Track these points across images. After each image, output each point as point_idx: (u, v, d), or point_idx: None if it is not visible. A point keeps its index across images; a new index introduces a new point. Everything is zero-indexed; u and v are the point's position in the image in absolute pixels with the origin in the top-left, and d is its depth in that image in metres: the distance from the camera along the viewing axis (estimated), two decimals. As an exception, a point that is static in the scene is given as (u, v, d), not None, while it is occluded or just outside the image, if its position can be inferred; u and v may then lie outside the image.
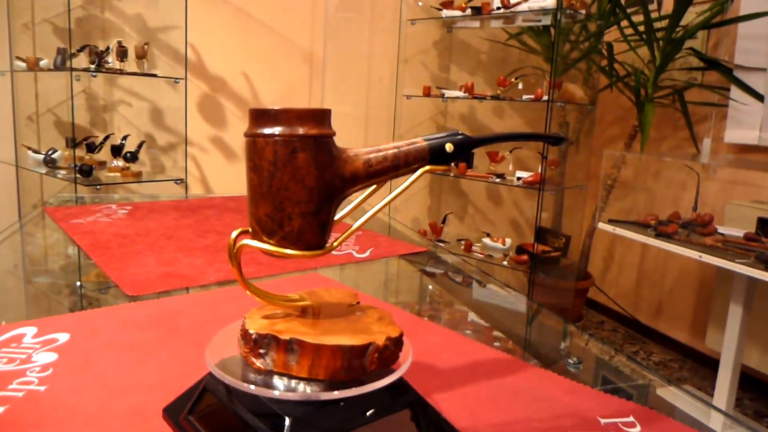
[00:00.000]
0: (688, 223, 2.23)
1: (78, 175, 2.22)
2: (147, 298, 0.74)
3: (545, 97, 2.48)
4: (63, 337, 0.61)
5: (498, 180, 2.78)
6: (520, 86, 2.72)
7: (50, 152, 2.32)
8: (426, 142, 0.44)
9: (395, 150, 0.43)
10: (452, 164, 0.47)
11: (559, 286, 3.09)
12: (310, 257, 0.43)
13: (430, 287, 0.97)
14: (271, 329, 0.43)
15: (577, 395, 0.53)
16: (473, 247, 2.97)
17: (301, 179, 0.41)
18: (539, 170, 2.61)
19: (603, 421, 0.48)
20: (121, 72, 2.30)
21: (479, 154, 2.96)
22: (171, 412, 0.47)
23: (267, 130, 0.41)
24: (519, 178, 2.74)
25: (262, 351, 0.42)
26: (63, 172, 2.29)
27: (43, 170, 2.31)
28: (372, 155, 0.43)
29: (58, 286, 0.83)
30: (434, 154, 0.44)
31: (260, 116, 0.41)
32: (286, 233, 0.42)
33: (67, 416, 0.46)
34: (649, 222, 2.33)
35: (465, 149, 0.45)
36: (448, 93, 2.85)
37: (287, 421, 0.39)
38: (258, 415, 0.40)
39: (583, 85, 2.80)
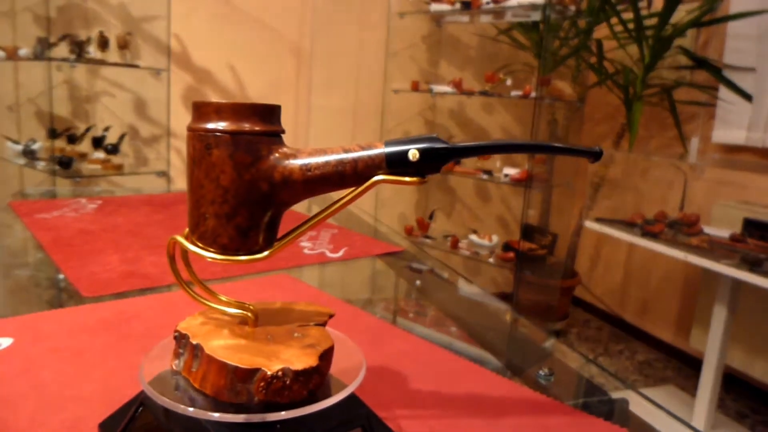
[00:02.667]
0: (674, 223, 2.22)
1: (58, 167, 2.17)
2: (104, 299, 0.71)
3: (533, 94, 2.45)
4: (5, 342, 0.57)
5: (485, 177, 2.76)
6: (509, 82, 2.70)
7: (30, 143, 2.28)
8: (385, 148, 0.38)
9: (342, 155, 0.38)
10: (423, 177, 0.38)
11: (546, 284, 3.07)
12: (229, 262, 0.40)
13: (403, 290, 0.95)
14: (191, 330, 0.41)
15: (544, 411, 0.50)
16: (460, 244, 2.95)
17: (215, 178, 0.38)
18: (527, 167, 2.58)
19: (567, 439, 0.46)
20: (102, 62, 2.25)
21: (467, 150, 2.93)
22: (106, 428, 0.44)
23: (192, 123, 0.38)
24: (506, 175, 2.72)
25: (180, 351, 0.40)
26: (43, 163, 2.25)
27: (23, 161, 2.26)
28: (313, 159, 0.38)
29: (9, 286, 0.80)
30: (394, 163, 0.37)
31: (193, 108, 0.38)
32: (201, 233, 0.39)
33: (0, 428, 0.43)
34: (635, 221, 2.32)
35: (439, 159, 0.37)
36: (436, 88, 2.82)
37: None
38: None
39: (572, 82, 2.78)
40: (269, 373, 0.35)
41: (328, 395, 0.39)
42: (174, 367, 0.41)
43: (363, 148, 0.38)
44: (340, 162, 0.37)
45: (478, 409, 0.50)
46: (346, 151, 0.38)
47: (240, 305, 0.43)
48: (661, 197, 2.74)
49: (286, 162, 0.38)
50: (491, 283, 3.37)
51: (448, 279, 0.99)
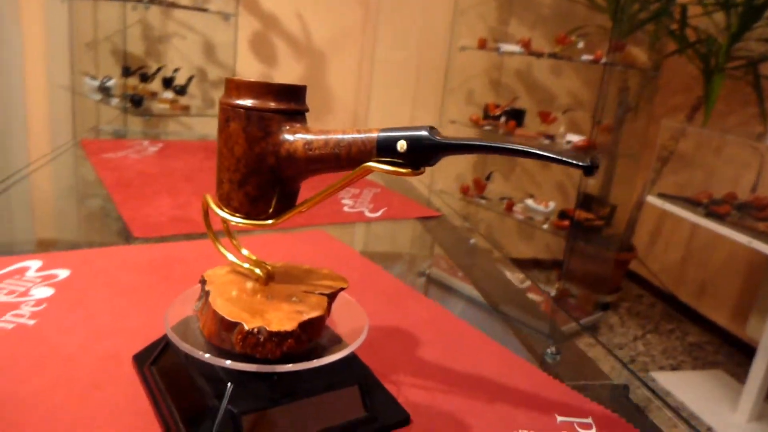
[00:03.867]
0: (743, 206, 2.12)
1: (129, 105, 2.28)
2: (153, 241, 0.77)
3: (604, 59, 2.35)
4: (63, 274, 0.64)
5: (547, 141, 2.70)
6: (581, 45, 2.59)
7: (105, 80, 2.39)
8: (377, 135, 0.39)
9: (340, 136, 0.40)
10: (417, 169, 0.38)
11: (599, 255, 3.02)
12: (238, 224, 0.43)
13: (433, 254, 0.97)
14: (211, 278, 0.45)
15: (543, 389, 0.52)
16: (515, 207, 2.92)
17: (231, 147, 0.41)
18: (590, 135, 2.51)
19: (560, 419, 0.48)
20: (174, 4, 2.31)
21: (531, 113, 2.86)
22: (138, 360, 0.49)
23: (221, 97, 0.42)
24: (569, 142, 2.64)
25: (201, 295, 0.45)
26: (116, 100, 2.36)
27: (98, 97, 2.38)
28: (315, 138, 0.40)
29: (72, 221, 0.87)
30: (383, 150, 0.38)
31: (225, 84, 0.42)
32: (220, 194, 0.44)
33: (47, 353, 0.49)
34: (701, 200, 2.22)
35: (428, 151, 0.37)
36: (504, 47, 2.74)
37: (229, 387, 0.40)
38: (206, 378, 0.42)
39: (648, 48, 2.63)
40: (246, 328, 0.39)
41: (331, 351, 0.43)
42: (194, 310, 0.46)
43: (359, 133, 0.40)
44: (337, 144, 0.39)
45: (478, 381, 0.53)
46: (344, 134, 0.40)
47: (257, 263, 0.46)
48: (732, 177, 2.60)
49: (293, 139, 0.40)
50: (544, 249, 3.33)
51: (481, 248, 1.00)
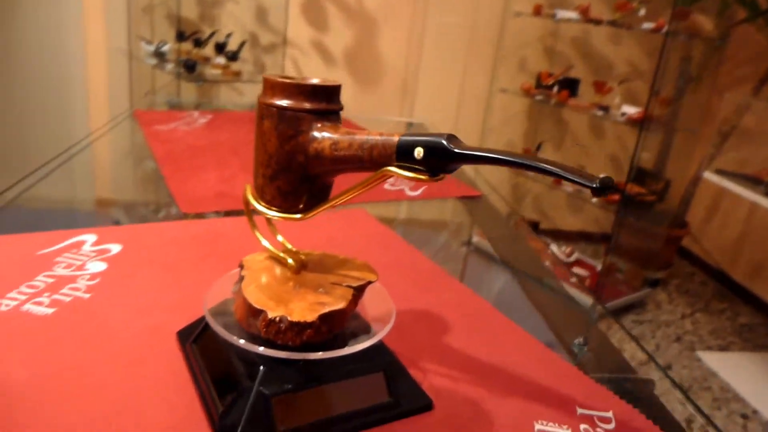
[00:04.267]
0: (807, 185, 2.02)
1: (183, 70, 2.34)
2: (199, 216, 0.81)
3: (666, 28, 2.24)
4: (115, 248, 0.68)
5: (600, 113, 2.62)
6: (642, 12, 2.47)
7: (160, 45, 2.45)
8: (398, 139, 0.39)
9: (364, 138, 0.40)
10: (435, 175, 0.38)
11: (650, 231, 2.94)
12: (268, 216, 0.46)
13: (470, 237, 0.97)
14: (249, 263, 0.48)
15: (566, 380, 0.53)
16: (563, 180, 2.86)
17: (264, 143, 0.43)
18: (646, 107, 2.41)
19: (580, 411, 0.49)
20: (227, -30, 2.33)
21: (586, 82, 2.77)
22: (181, 337, 0.53)
23: (259, 95, 0.43)
24: (623, 114, 2.55)
25: (237, 279, 0.48)
26: (170, 65, 2.42)
27: (153, 62, 2.45)
28: (342, 138, 0.41)
29: (126, 193, 0.92)
30: (402, 155, 0.39)
31: (262, 83, 0.43)
32: (255, 186, 0.46)
33: (98, 327, 0.54)
34: (762, 178, 2.13)
35: (444, 159, 0.37)
36: (560, 14, 2.64)
37: (261, 370, 0.43)
38: (240, 359, 0.45)
39: (715, 16, 2.49)
40: (269, 316, 0.41)
41: (359, 340, 0.45)
42: (232, 292, 0.49)
43: (382, 136, 0.40)
44: (361, 146, 0.40)
45: (502, 369, 0.54)
46: (369, 135, 0.40)
47: (290, 253, 0.49)
48: (798, 154, 2.47)
49: (321, 138, 0.41)
50: (593, 222, 3.27)
51: (519, 232, 1.00)
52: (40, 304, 0.55)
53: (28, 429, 0.40)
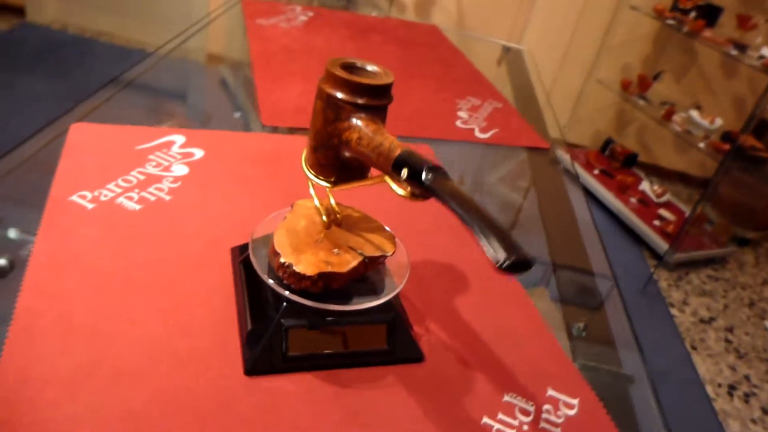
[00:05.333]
0: None
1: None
2: (277, 131, 0.89)
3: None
4: (198, 154, 0.78)
5: (735, 52, 2.38)
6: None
7: None
8: (400, 152, 0.43)
9: (380, 142, 0.44)
10: (416, 197, 0.42)
11: (755, 188, 2.75)
12: (313, 182, 0.52)
13: (516, 196, 1.00)
14: (295, 208, 0.56)
15: (550, 360, 0.60)
16: (675, 117, 2.69)
17: (314, 120, 0.49)
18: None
19: (550, 392, 0.56)
20: None
21: (728, 13, 2.49)
22: (234, 253, 0.63)
23: (320, 79, 0.48)
24: (761, 57, 2.31)
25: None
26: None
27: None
28: (368, 136, 0.45)
29: (219, 92, 1.01)
30: (395, 169, 0.43)
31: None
32: (307, 148, 0.52)
33: (173, 229, 0.65)
34: None
35: (419, 186, 0.41)
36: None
37: (284, 306, 0.52)
38: (271, 290, 0.54)
39: None
40: (281, 260, 0.50)
41: (369, 297, 0.53)
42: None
43: (391, 146, 0.44)
44: (374, 149, 0.45)
45: (497, 337, 0.61)
46: (385, 140, 0.44)
47: (327, 209, 0.56)
48: None
49: (353, 130, 0.46)
50: (698, 165, 3.09)
51: (576, 198, 1.01)
52: (130, 199, 0.67)
53: (107, 311, 0.53)
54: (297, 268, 0.50)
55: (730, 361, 2.19)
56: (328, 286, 0.51)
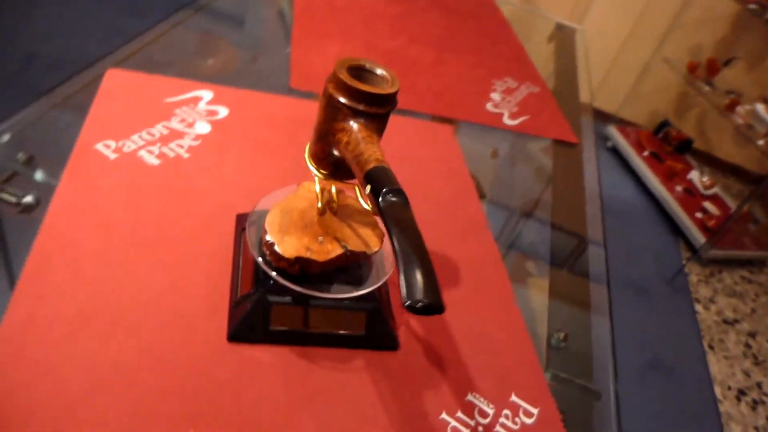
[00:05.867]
0: None
1: None
2: (305, 96, 0.90)
3: None
4: (223, 113, 0.81)
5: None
6: None
7: None
8: (375, 166, 0.44)
9: (363, 150, 0.45)
10: (375, 213, 0.43)
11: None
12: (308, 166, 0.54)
13: (530, 192, 0.99)
14: (300, 189, 0.59)
15: (522, 366, 0.62)
16: (738, 108, 2.56)
17: (318, 113, 0.51)
18: None
19: (513, 398, 0.58)
20: None
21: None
22: (238, 221, 0.66)
23: (328, 76, 0.49)
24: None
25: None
26: None
27: None
28: (354, 142, 0.46)
29: (249, 48, 1.02)
30: (363, 182, 0.44)
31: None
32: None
33: (187, 188, 0.68)
34: None
35: (377, 208, 0.42)
36: None
37: (271, 283, 0.56)
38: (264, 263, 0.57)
39: None
40: (265, 237, 0.53)
41: (357, 283, 0.56)
42: None
43: (370, 159, 0.45)
44: (355, 157, 0.46)
45: (476, 337, 0.63)
46: (366, 151, 0.45)
47: (324, 197, 0.58)
48: None
49: (345, 133, 0.48)
50: (754, 161, 2.95)
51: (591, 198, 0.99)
52: (151, 153, 0.71)
53: (112, 261, 0.57)
54: (277, 248, 0.53)
55: (746, 366, 2.17)
56: (304, 270, 0.54)
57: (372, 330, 0.59)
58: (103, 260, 0.57)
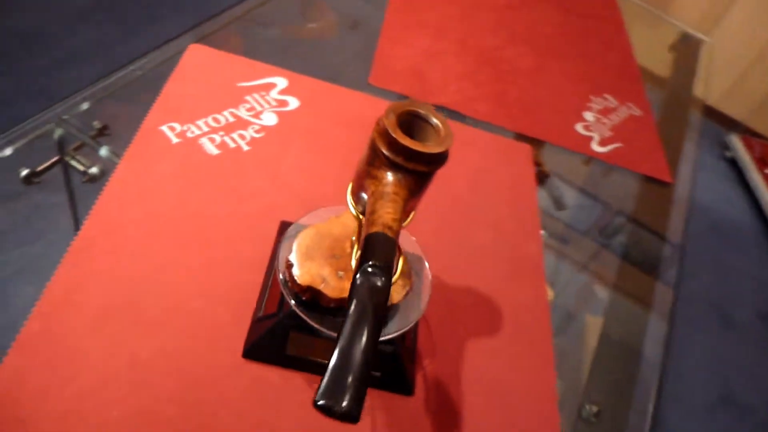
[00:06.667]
0: None
1: None
2: (381, 94, 0.87)
3: None
4: (293, 104, 0.80)
5: None
6: None
7: None
8: (378, 232, 0.40)
9: (378, 209, 0.42)
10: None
11: None
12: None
13: (598, 230, 0.91)
14: (340, 213, 0.57)
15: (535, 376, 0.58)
16: None
17: (364, 151, 0.47)
18: None
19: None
20: None
21: None
22: (281, 228, 0.66)
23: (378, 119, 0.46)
24: None
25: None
26: None
27: None
28: (380, 196, 0.43)
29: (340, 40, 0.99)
30: (360, 243, 0.41)
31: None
32: None
33: (240, 184, 0.68)
34: None
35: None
36: None
37: (292, 307, 0.55)
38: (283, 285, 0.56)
39: None
40: (288, 257, 0.52)
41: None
42: None
43: (378, 219, 0.41)
44: (370, 213, 0.43)
45: (498, 392, 0.60)
46: (379, 212, 0.42)
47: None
48: None
49: (376, 181, 0.44)
50: None
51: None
52: (212, 141, 0.71)
53: (148, 253, 0.58)
54: (294, 271, 0.51)
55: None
56: (315, 300, 0.52)
57: (388, 372, 0.57)
58: (142, 253, 0.59)
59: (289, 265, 0.52)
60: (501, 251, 0.73)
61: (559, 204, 0.97)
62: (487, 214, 0.77)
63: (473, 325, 0.65)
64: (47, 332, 0.51)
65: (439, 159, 0.45)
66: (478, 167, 0.82)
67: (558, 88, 1.00)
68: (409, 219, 0.50)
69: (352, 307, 0.36)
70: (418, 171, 0.44)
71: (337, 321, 0.53)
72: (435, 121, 0.47)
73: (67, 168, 0.72)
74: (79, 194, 0.69)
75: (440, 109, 0.88)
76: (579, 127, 0.94)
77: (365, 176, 0.47)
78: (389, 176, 0.45)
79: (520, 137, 0.89)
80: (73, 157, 0.71)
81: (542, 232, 0.79)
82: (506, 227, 0.76)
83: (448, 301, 0.66)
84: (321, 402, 0.31)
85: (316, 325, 0.52)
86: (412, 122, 0.47)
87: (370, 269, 0.38)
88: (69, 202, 0.73)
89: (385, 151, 0.44)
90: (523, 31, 1.08)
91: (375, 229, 0.40)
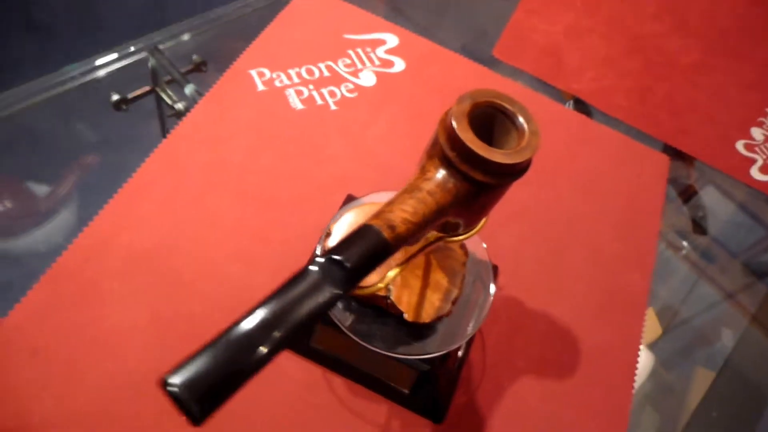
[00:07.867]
0: None
1: None
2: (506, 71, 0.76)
3: None
4: (399, 66, 0.72)
5: None
6: None
7: None
8: (372, 225, 0.32)
9: (399, 198, 0.35)
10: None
11: None
12: None
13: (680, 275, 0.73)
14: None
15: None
16: None
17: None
18: None
19: None
20: None
21: None
22: (345, 203, 0.59)
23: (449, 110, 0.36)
24: None
25: None
26: None
27: None
28: (415, 183, 0.36)
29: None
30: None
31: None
32: None
33: (311, 149, 0.63)
34: None
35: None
36: None
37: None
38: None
39: None
40: (327, 242, 0.45)
41: (418, 340, 0.46)
42: None
43: (385, 214, 0.34)
44: (398, 200, 0.35)
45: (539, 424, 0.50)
46: (387, 203, 0.34)
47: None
48: None
49: (422, 174, 0.37)
50: None
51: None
52: (299, 94, 0.66)
53: (198, 207, 0.55)
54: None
55: None
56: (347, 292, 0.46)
57: (419, 393, 0.49)
58: (193, 203, 0.56)
59: (323, 248, 0.46)
60: (597, 276, 0.62)
61: (699, 227, 0.82)
62: (589, 230, 0.65)
63: (538, 358, 0.55)
64: (78, 270, 0.50)
65: (503, 171, 0.34)
66: (593, 171, 0.69)
67: (723, 93, 0.81)
68: (476, 229, 0.41)
69: (277, 293, 0.26)
70: (471, 178, 0.35)
71: (366, 326, 0.46)
72: (521, 121, 0.37)
73: (160, 100, 0.71)
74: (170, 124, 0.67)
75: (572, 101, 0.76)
76: (740, 146, 0.77)
77: (418, 163, 0.38)
78: (438, 173, 0.36)
79: (660, 145, 0.75)
80: (164, 90, 0.70)
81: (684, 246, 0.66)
82: (610, 249, 0.64)
83: (515, 324, 0.56)
84: (166, 379, 0.22)
85: (338, 323, 0.46)
86: (494, 116, 0.38)
87: (331, 261, 0.28)
88: (161, 133, 0.72)
89: (441, 140, 0.36)
90: (693, 18, 0.90)
91: (373, 221, 0.32)
